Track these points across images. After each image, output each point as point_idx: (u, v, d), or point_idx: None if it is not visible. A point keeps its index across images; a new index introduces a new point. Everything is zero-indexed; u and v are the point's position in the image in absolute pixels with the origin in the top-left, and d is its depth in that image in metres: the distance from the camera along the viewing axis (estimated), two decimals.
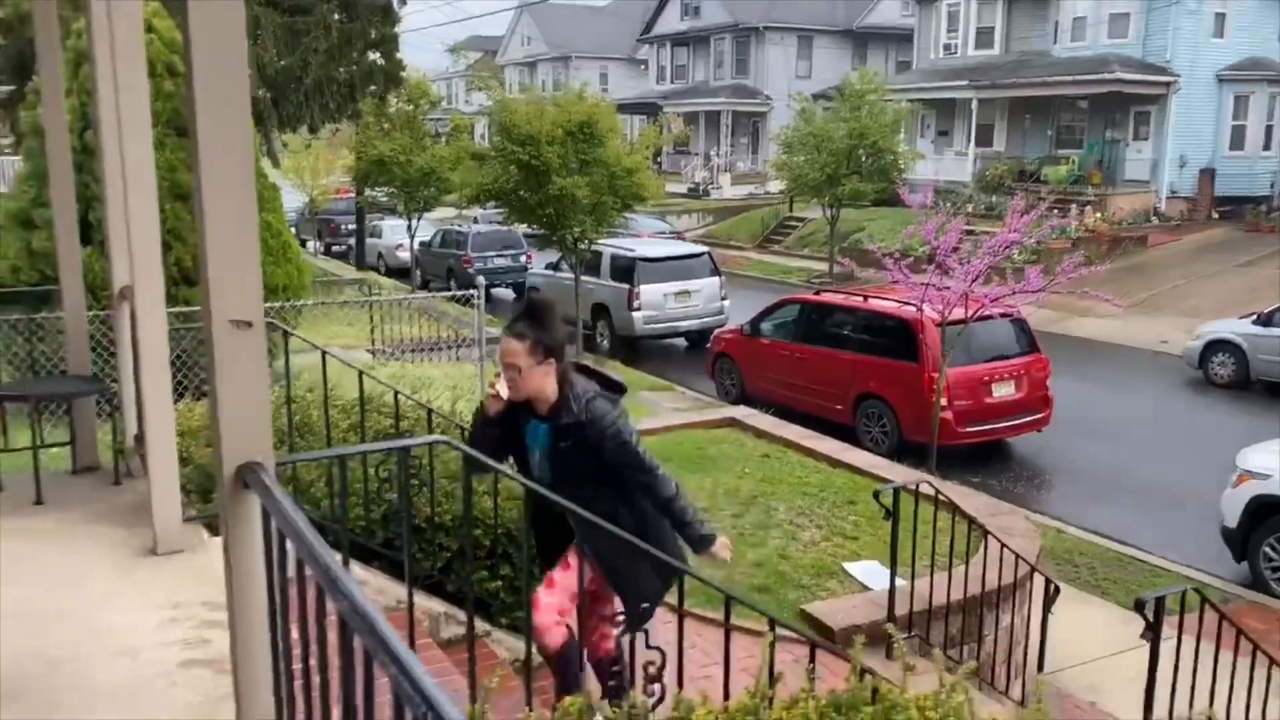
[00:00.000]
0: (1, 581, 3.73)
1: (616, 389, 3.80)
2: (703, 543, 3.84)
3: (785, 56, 42.26)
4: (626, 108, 44.37)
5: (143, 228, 4.03)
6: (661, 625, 3.71)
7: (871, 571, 6.51)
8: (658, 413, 12.14)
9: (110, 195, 4.63)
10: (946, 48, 32.79)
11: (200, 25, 2.15)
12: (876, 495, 5.60)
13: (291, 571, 2.06)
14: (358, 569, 4.52)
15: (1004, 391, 11.93)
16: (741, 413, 10.53)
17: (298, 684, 2.13)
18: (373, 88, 17.96)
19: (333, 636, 1.84)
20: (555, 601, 3.74)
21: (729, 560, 3.97)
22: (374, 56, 17.59)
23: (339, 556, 2.79)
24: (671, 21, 46.65)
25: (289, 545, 2.05)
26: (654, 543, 3.67)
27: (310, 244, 32.53)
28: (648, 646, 3.46)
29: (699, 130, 44.56)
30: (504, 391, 3.65)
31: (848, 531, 7.08)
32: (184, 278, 8.78)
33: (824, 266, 26.71)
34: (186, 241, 8.78)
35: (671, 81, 47.24)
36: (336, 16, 16.67)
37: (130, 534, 4.18)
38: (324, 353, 5.03)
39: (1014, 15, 30.80)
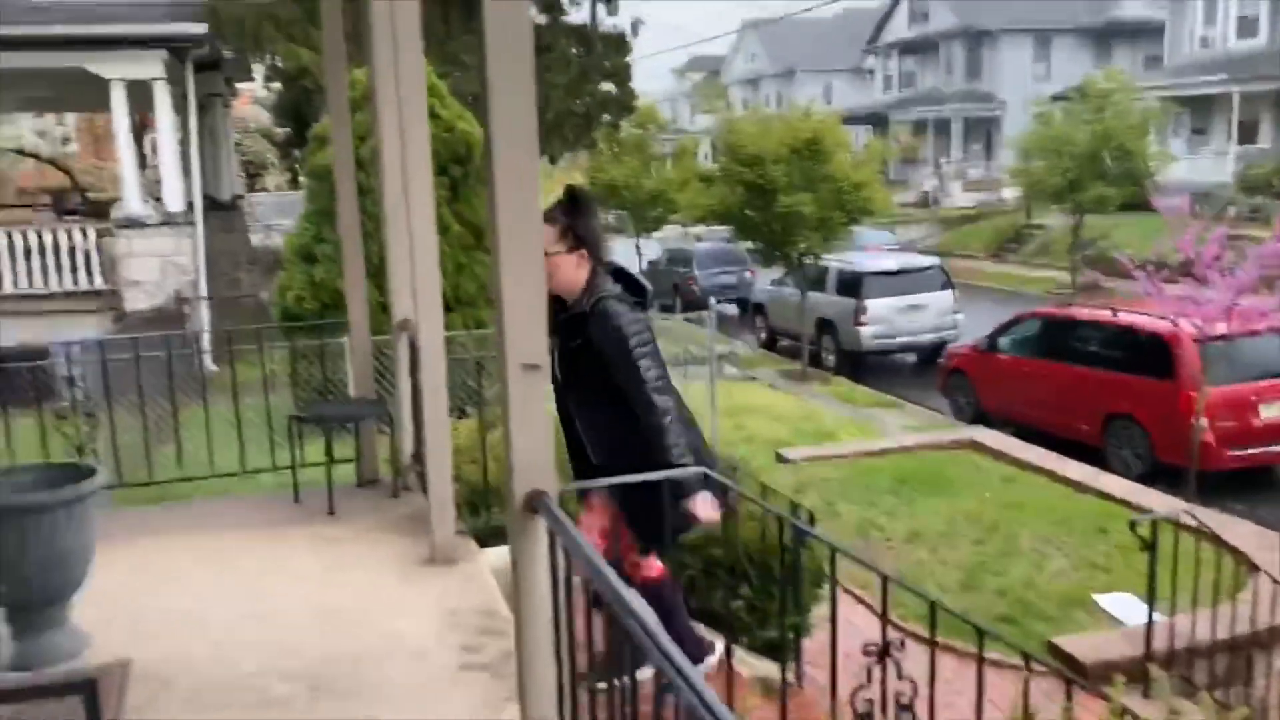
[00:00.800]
0: (308, 584, 4.24)
1: (639, 292, 3.54)
2: (682, 490, 3.38)
3: (1020, 58, 40.49)
4: (852, 119, 43.86)
5: (425, 265, 4.45)
6: (911, 655, 3.73)
7: (1125, 605, 6.21)
8: (887, 431, 11.97)
9: (393, 234, 5.13)
10: (1203, 40, 30.46)
11: (498, 85, 2.40)
12: (1133, 526, 5.36)
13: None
14: None
15: (1274, 413, 10.99)
16: (980, 433, 10.25)
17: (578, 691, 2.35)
18: (607, 117, 18.68)
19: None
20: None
21: (713, 525, 3.55)
22: (608, 87, 18.30)
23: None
24: (899, 29, 45.72)
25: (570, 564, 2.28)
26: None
27: None
28: (899, 677, 3.50)
29: (928, 138, 43.37)
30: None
31: (1098, 562, 6.78)
32: (444, 306, 9.49)
33: (1066, 277, 25.38)
34: (445, 273, 9.49)
35: (899, 90, 46.27)
36: (574, 51, 17.48)
37: (410, 544, 4.62)
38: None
39: None
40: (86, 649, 3.56)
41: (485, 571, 4.29)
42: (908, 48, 45.43)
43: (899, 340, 17.83)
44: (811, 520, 5.39)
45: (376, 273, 6.71)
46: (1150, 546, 5.25)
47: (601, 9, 18.40)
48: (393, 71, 4.68)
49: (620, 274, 3.56)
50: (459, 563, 4.41)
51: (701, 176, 19.97)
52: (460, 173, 10.07)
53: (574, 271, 3.48)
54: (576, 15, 18.59)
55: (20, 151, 25.34)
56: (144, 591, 4.20)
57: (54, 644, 3.46)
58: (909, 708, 3.42)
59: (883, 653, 3.34)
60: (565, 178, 31.01)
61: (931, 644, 3.54)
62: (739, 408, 12.40)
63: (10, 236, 12.56)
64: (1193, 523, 5.75)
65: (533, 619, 2.53)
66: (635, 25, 18.60)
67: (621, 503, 3.47)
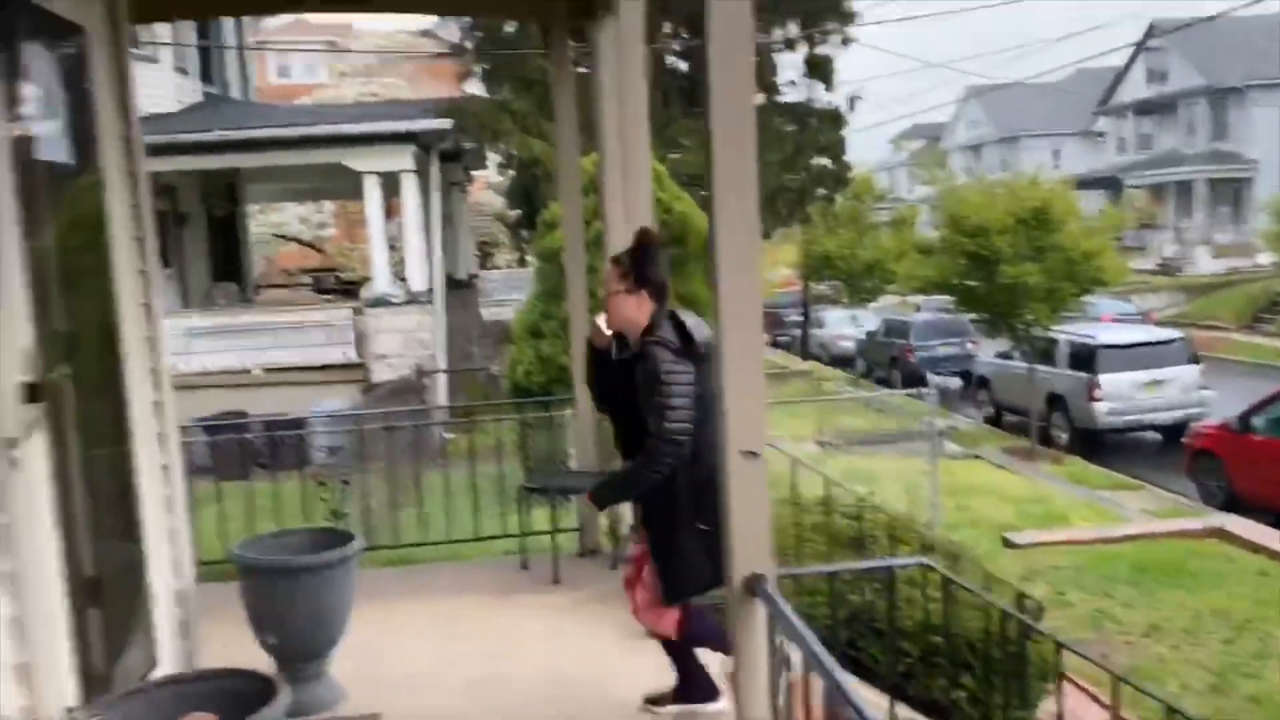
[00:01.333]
0: (536, 650, 4.46)
1: (690, 342, 3.49)
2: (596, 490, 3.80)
3: (1272, 115, 37.60)
4: (1083, 183, 41.82)
5: None
6: None
7: None
8: (1126, 517, 11.22)
9: None
10: None
11: (723, 177, 2.56)
12: None
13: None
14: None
15: None
16: (1231, 521, 9.45)
17: None
18: (821, 191, 18.78)
19: None
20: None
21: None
22: (823, 161, 18.43)
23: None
24: (1135, 89, 43.55)
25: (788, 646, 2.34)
26: (713, 525, 3.19)
27: None
28: None
29: (1168, 201, 40.80)
30: (603, 322, 3.69)
31: None
32: None
33: None
34: None
35: (1135, 152, 43.90)
36: (789, 128, 17.77)
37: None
38: (793, 460, 5.41)
39: None
40: (343, 700, 3.89)
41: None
42: (1144, 108, 43.15)
43: (1138, 418, 16.71)
44: (1040, 613, 5.18)
45: None
46: None
47: (819, 86, 18.64)
48: (619, 160, 4.98)
49: (677, 322, 3.60)
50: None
51: (920, 247, 19.64)
52: (678, 253, 10.40)
53: (634, 312, 3.58)
54: (793, 94, 18.93)
55: (284, 236, 28.10)
56: (390, 649, 4.55)
57: (316, 695, 3.81)
58: None
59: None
60: (778, 251, 31.28)
61: None
62: (962, 487, 11.97)
63: (276, 315, 13.96)
64: None
65: (751, 698, 2.60)
66: (852, 101, 18.72)
67: (653, 549, 3.58)
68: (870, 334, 26.29)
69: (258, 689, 2.77)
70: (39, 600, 2.68)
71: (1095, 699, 5.68)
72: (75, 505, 3.31)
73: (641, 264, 3.59)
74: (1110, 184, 42.35)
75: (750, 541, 2.56)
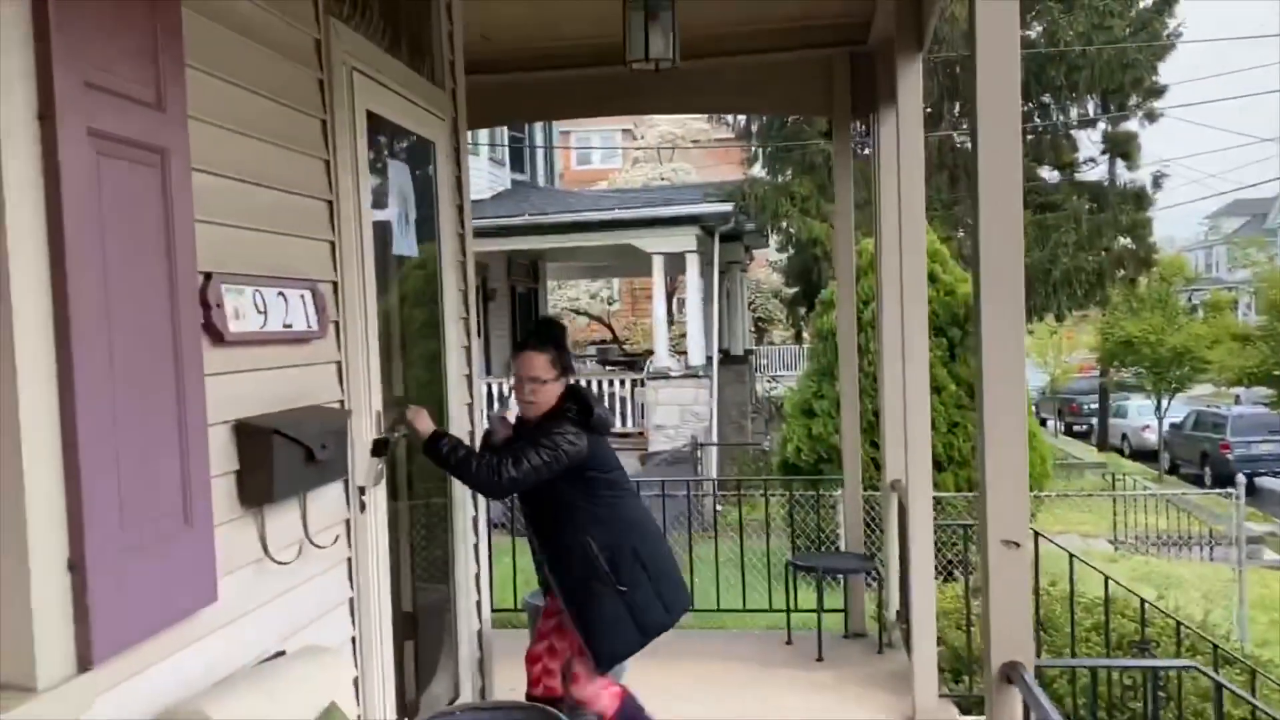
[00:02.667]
0: None
1: (586, 413, 3.59)
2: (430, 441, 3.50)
3: None
4: None
5: (918, 428, 4.71)
6: None
7: None
8: None
9: (889, 398, 5.49)
10: None
11: (989, 249, 2.65)
12: None
13: None
14: None
15: None
16: None
17: None
18: (1122, 273, 17.76)
19: None
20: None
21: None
22: (1125, 241, 17.45)
23: None
24: None
25: None
26: (631, 586, 3.53)
27: (1050, 423, 32.36)
28: None
29: None
30: (517, 414, 3.66)
31: None
32: (934, 464, 9.61)
33: None
34: (938, 430, 9.63)
35: None
36: (1086, 208, 17.01)
37: (893, 701, 4.78)
38: (1071, 556, 5.23)
39: None
40: None
41: None
42: None
43: None
44: None
45: (871, 429, 7.10)
46: None
47: (1121, 164, 17.76)
48: (897, 242, 5.08)
49: (577, 396, 3.69)
50: None
51: (1237, 334, 18.03)
52: (958, 334, 10.26)
53: (553, 398, 3.66)
54: (1093, 172, 18.14)
55: (576, 311, 29.92)
56: (657, 705, 4.79)
57: None
58: None
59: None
60: (1075, 335, 29.52)
61: None
62: (1279, 601, 10.79)
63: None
64: None
65: None
66: (1157, 179, 17.65)
67: (577, 621, 3.63)
68: (1176, 426, 24.21)
69: None
70: (372, 626, 3.15)
71: None
72: (402, 548, 3.85)
73: (566, 351, 3.75)
74: None
75: (1010, 628, 2.60)
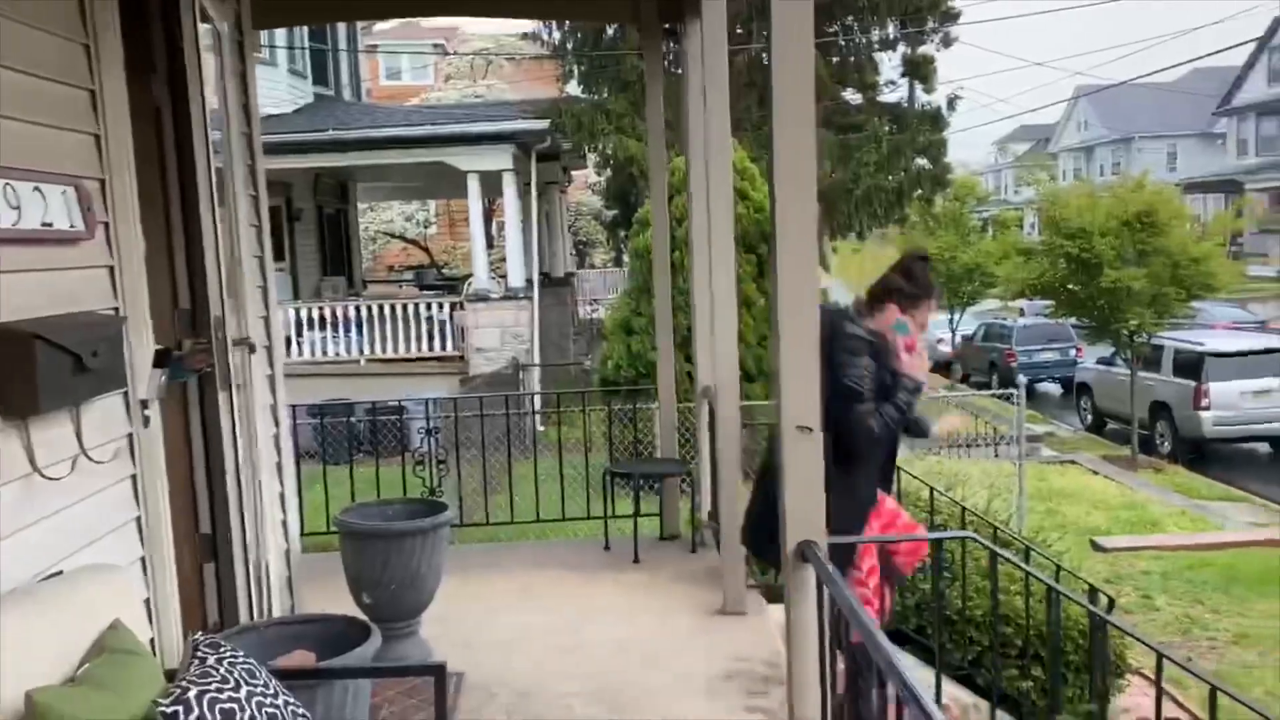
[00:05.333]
0: (613, 623, 4.69)
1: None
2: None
3: None
4: (1199, 186, 40.35)
5: (725, 339, 4.85)
6: None
7: None
8: (1227, 526, 10.92)
9: (698, 308, 5.60)
10: None
11: (783, 165, 2.73)
12: None
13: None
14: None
15: None
16: None
17: None
18: (919, 192, 18.62)
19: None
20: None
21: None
22: (921, 162, 18.27)
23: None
24: (1256, 90, 41.80)
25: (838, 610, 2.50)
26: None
27: None
28: None
29: None
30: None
31: None
32: (745, 376, 9.93)
33: None
34: (748, 344, 9.93)
35: (1256, 155, 42.11)
36: (886, 129, 17.67)
37: (704, 594, 4.97)
38: None
39: None
40: (431, 659, 4.17)
41: (771, 624, 4.54)
42: (1267, 109, 41.37)
43: (1247, 428, 16.13)
44: (1110, 606, 5.19)
45: (686, 344, 7.24)
46: None
47: (919, 86, 18.48)
48: (703, 159, 5.15)
49: None
50: (748, 615, 4.70)
51: (1020, 250, 19.31)
52: (768, 250, 10.54)
53: None
54: (893, 94, 18.80)
55: (391, 234, 29.02)
56: (476, 617, 4.83)
57: (405, 654, 4.09)
58: None
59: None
60: (879, 254, 30.93)
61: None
62: (1053, 492, 11.81)
63: (381, 308, 14.52)
64: None
65: (801, 656, 2.76)
66: (952, 101, 18.50)
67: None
68: (967, 339, 25.89)
69: (353, 633, 3.06)
70: (163, 545, 3.00)
71: (1175, 700, 5.65)
72: (196, 466, 3.67)
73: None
74: (1230, 187, 40.72)
75: (804, 510, 2.72)
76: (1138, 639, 4.03)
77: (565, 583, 5.33)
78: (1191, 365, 16.42)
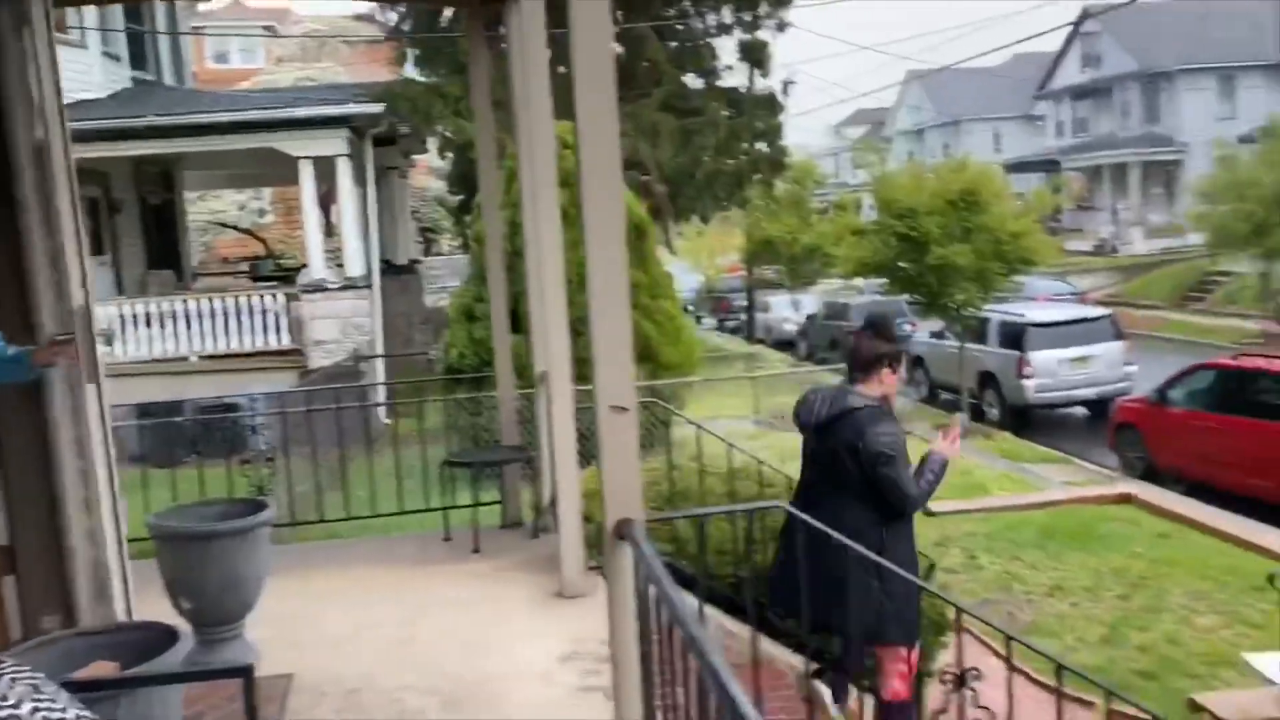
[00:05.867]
0: (450, 614, 4.64)
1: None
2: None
3: (1202, 99, 38.62)
4: (1022, 166, 42.68)
5: (556, 323, 4.85)
6: (990, 685, 3.77)
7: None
8: (1047, 487, 11.63)
9: (532, 293, 5.57)
10: None
11: (589, 166, 2.75)
12: (1271, 579, 5.18)
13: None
14: (725, 620, 4.97)
15: None
16: (1138, 488, 9.88)
17: (666, 708, 2.60)
18: (758, 176, 19.02)
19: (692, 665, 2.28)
20: None
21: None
22: (760, 146, 18.67)
23: (697, 601, 3.28)
24: (1070, 74, 44.47)
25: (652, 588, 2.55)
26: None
27: (706, 320, 34.60)
28: (976, 706, 3.59)
29: (1103, 184, 41.80)
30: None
31: (1254, 620, 6.48)
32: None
33: (1254, 327, 23.94)
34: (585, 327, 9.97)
35: (1072, 135, 44.85)
36: (725, 114, 17.95)
37: (544, 580, 4.98)
38: (698, 427, 5.64)
39: None
40: (255, 662, 4.04)
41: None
42: (1080, 92, 44.07)
43: (1066, 394, 17.20)
44: (931, 569, 5.46)
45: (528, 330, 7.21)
46: None
47: (757, 72, 18.83)
48: (528, 140, 5.10)
49: None
50: (586, 597, 4.72)
51: (854, 230, 20.01)
52: (580, 235, 10.58)
53: None
54: (732, 79, 19.09)
55: (223, 224, 27.79)
56: (308, 616, 4.70)
57: (228, 657, 3.95)
58: None
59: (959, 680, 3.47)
60: (725, 237, 31.53)
61: (1058, 694, 3.59)
62: None
63: (211, 302, 13.89)
64: None
65: (623, 640, 2.81)
66: (786, 85, 18.95)
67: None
68: (812, 317, 26.72)
69: (164, 640, 2.93)
70: None
71: (996, 653, 5.98)
72: None
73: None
74: (1049, 167, 43.24)
75: (621, 489, 2.76)
76: (942, 598, 4.26)
77: (403, 576, 5.24)
78: (1014, 336, 17.37)
